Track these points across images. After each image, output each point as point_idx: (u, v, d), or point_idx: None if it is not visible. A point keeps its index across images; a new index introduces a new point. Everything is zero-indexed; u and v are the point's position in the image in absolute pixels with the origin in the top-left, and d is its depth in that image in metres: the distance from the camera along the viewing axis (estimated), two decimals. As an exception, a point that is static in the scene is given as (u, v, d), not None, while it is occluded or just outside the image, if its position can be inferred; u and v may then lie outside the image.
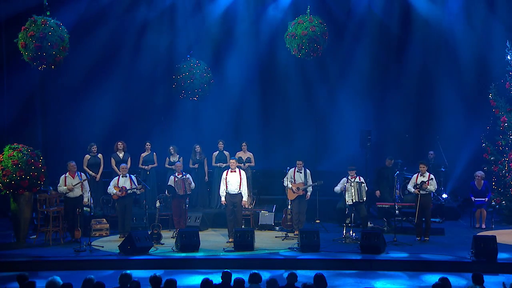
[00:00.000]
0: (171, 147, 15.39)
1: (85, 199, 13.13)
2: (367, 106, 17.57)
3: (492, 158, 15.30)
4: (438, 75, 17.71)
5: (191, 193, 14.25)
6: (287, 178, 13.58)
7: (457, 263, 11.24)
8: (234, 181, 13.14)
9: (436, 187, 13.35)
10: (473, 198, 14.56)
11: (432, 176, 13.06)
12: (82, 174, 13.36)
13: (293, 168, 13.66)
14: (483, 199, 14.48)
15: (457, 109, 17.33)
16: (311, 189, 13.66)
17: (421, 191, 12.90)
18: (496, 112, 15.29)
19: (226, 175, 13.23)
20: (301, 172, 13.61)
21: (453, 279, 7.86)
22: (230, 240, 12.86)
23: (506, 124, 15.06)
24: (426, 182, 12.91)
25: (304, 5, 14.80)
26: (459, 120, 17.24)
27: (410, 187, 13.22)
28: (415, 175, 13.23)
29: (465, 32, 16.91)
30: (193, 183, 13.98)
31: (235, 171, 13.25)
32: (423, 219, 13.00)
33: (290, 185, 13.52)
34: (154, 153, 15.57)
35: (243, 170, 14.03)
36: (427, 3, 17.12)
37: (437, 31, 17.35)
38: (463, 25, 16.94)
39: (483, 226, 14.31)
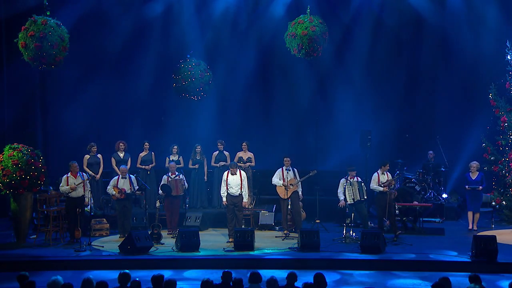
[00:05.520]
0: (174, 146, 15.36)
1: (86, 199, 13.13)
2: (367, 106, 17.56)
3: (492, 158, 15.29)
4: (438, 75, 17.73)
5: (191, 193, 14.22)
6: (277, 177, 13.61)
7: (457, 263, 11.24)
8: (234, 183, 13.13)
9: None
10: (467, 187, 14.17)
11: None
12: (84, 174, 13.37)
13: (281, 168, 13.67)
14: (477, 186, 14.07)
15: (457, 109, 17.33)
16: (301, 189, 13.69)
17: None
18: (496, 112, 15.29)
19: (227, 177, 13.21)
20: (289, 170, 13.64)
21: (453, 279, 7.83)
22: (230, 240, 12.87)
23: (506, 124, 15.05)
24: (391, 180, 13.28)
25: (304, 5, 14.79)
26: (459, 120, 17.23)
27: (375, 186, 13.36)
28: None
29: (465, 32, 16.90)
30: (186, 183, 13.95)
31: (235, 173, 13.23)
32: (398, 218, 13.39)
33: (280, 183, 13.51)
34: (153, 153, 15.56)
35: (244, 170, 14.01)
36: (427, 3, 17.12)
37: (437, 31, 17.35)
38: (463, 25, 16.93)
39: (475, 227, 14.04)
